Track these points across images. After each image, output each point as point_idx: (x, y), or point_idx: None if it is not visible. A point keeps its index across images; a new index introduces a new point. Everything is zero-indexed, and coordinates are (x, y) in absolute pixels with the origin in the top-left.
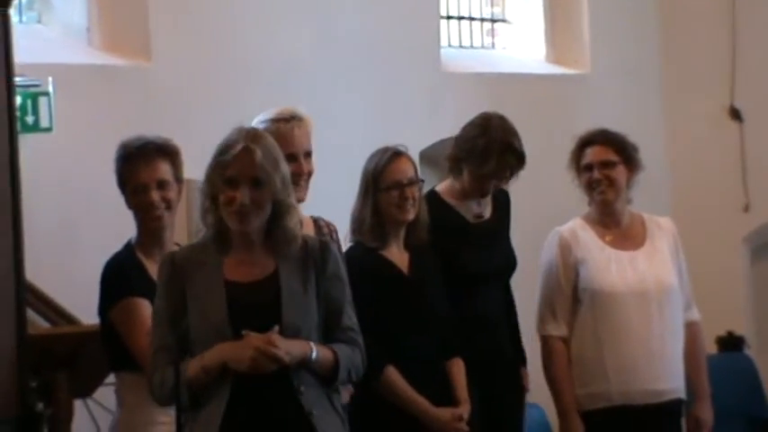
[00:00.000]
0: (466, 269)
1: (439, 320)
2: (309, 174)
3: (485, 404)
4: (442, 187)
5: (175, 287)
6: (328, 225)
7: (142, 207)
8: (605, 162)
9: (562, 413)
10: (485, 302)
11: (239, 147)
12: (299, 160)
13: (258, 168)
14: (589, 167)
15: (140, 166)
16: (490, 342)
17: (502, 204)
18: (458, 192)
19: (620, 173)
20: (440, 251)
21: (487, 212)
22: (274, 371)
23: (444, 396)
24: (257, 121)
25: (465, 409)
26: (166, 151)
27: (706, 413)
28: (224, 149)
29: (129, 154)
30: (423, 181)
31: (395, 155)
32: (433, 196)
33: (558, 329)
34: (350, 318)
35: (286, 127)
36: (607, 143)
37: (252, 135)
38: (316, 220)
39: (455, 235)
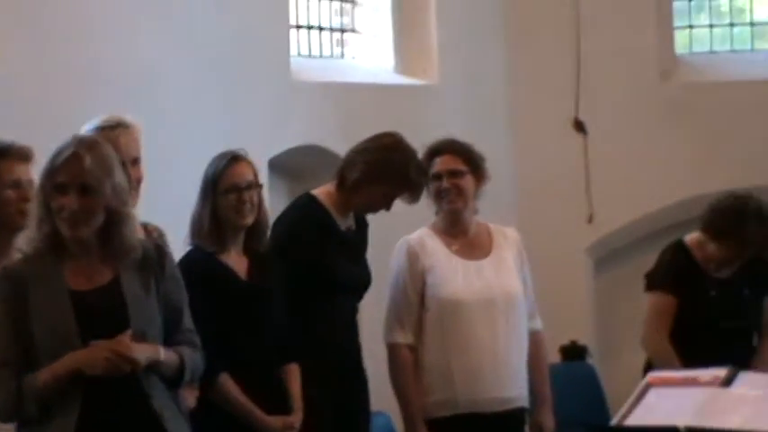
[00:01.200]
0: (337, 277)
1: (275, 327)
2: (138, 180)
3: (336, 410)
4: (319, 192)
5: (15, 302)
6: (157, 229)
7: (14, 203)
8: (453, 171)
9: (408, 420)
10: (344, 312)
11: (68, 153)
12: (126, 168)
13: (87, 174)
14: (438, 176)
15: (17, 162)
16: (342, 352)
17: (362, 219)
18: (336, 201)
19: (468, 182)
20: (316, 253)
21: (353, 226)
22: (126, 375)
23: (281, 402)
24: (84, 130)
25: (297, 418)
26: (31, 154)
27: (548, 420)
28: (54, 156)
29: (4, 150)
30: (261, 186)
31: (234, 159)
32: (311, 199)
33: (404, 337)
34: (188, 319)
35: (112, 134)
36: (455, 153)
37: (86, 142)
38: (145, 226)
39: (330, 242)
